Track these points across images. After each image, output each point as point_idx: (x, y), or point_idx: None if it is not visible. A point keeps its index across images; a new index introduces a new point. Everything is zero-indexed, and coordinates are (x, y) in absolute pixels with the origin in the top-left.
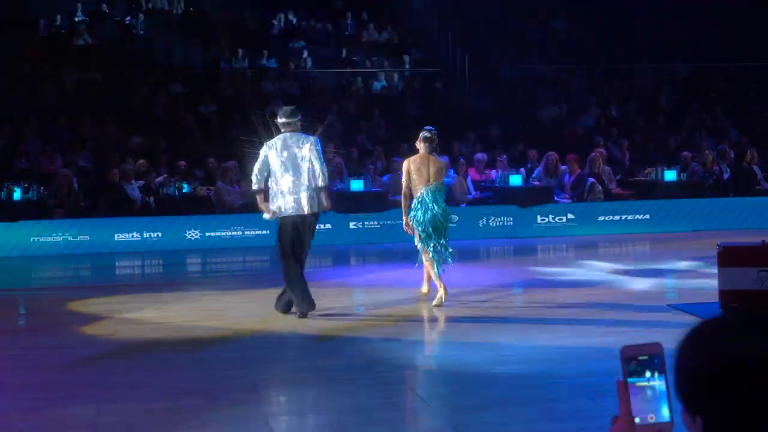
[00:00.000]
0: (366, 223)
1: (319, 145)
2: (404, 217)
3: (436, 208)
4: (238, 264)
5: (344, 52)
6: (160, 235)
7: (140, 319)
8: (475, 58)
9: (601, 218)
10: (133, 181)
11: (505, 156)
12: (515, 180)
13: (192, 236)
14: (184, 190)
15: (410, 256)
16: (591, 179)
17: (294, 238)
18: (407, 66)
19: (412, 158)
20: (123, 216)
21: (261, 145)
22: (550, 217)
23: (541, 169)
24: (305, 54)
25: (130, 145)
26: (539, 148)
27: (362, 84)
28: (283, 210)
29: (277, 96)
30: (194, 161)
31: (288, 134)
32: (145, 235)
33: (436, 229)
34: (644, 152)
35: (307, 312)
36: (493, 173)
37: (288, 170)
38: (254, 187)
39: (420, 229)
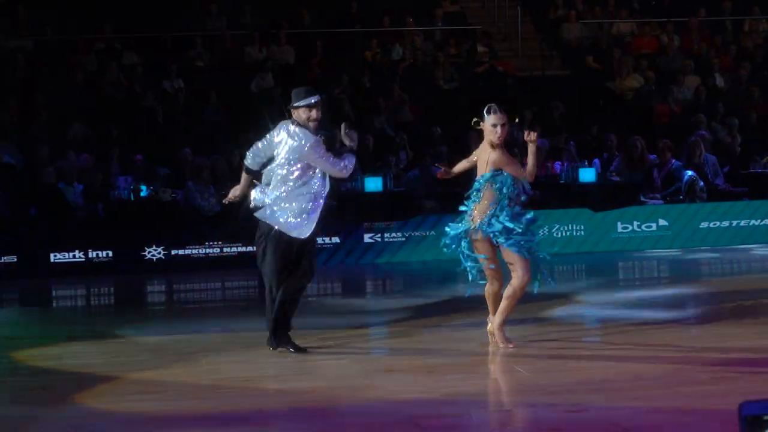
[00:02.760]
0: (386, 235)
1: (319, 149)
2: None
3: None
4: (216, 291)
5: (354, 5)
6: (110, 254)
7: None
8: (531, 10)
9: (704, 225)
10: (74, 182)
11: (573, 143)
12: (587, 175)
13: (153, 255)
14: (141, 194)
15: (450, 279)
16: (690, 172)
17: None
18: (438, 24)
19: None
20: (62, 229)
21: (244, 132)
22: (635, 224)
23: (621, 160)
24: (302, 9)
25: (69, 135)
26: (619, 131)
27: (379, 49)
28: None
29: (265, 66)
30: (156, 155)
31: (288, 125)
32: (91, 254)
33: None
34: (761, 134)
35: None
36: (557, 166)
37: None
38: (245, 161)
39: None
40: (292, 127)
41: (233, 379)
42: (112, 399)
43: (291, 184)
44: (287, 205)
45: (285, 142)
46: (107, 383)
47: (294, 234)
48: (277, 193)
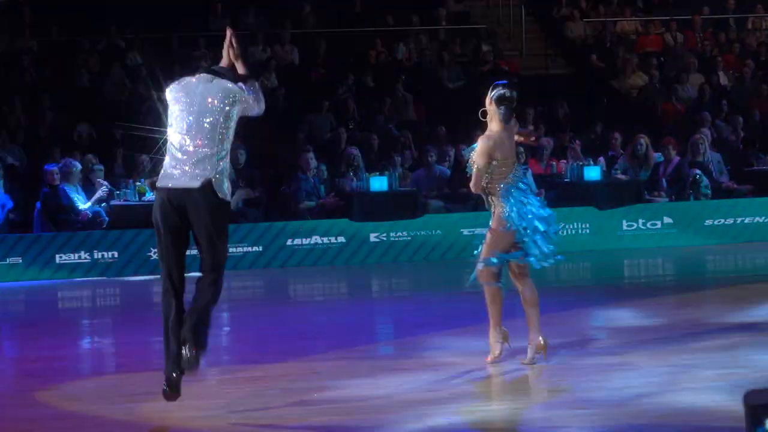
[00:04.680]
0: (392, 234)
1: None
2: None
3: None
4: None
5: (357, 3)
6: (115, 255)
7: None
8: (535, 9)
9: (708, 222)
10: (77, 183)
11: (578, 141)
12: (592, 173)
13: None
14: (146, 195)
15: (457, 280)
16: (694, 170)
17: (173, 231)
18: (442, 22)
19: (490, 135)
20: (66, 230)
21: (249, 132)
22: (640, 221)
23: (626, 159)
24: (306, 9)
25: (75, 136)
26: (624, 129)
27: (383, 48)
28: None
29: (269, 66)
30: (161, 155)
31: (200, 76)
32: (97, 255)
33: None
34: (765, 132)
35: (170, 385)
36: (563, 164)
37: (185, 123)
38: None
39: (527, 233)
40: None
41: None
42: None
43: None
44: None
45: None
46: None
47: None
48: None
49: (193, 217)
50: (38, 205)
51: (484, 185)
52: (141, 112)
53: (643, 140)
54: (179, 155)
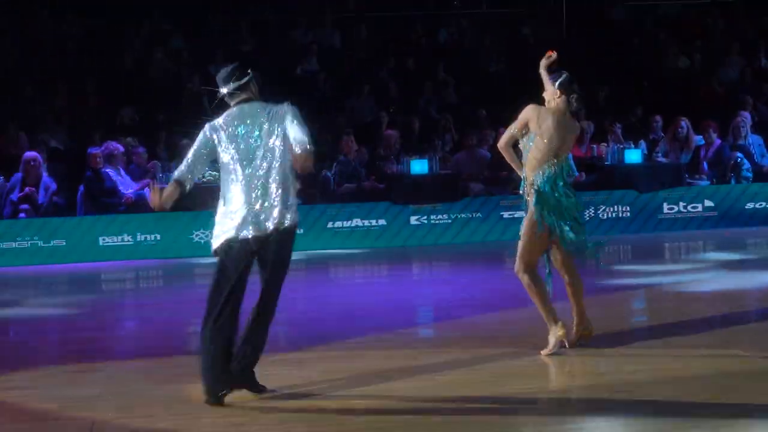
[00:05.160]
0: (432, 217)
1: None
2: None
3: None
4: None
5: None
6: (158, 237)
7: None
8: None
9: (749, 206)
10: (120, 166)
11: (618, 125)
12: (633, 156)
13: (200, 238)
14: None
15: (497, 260)
16: (736, 153)
17: (241, 274)
18: (483, 6)
19: (538, 106)
20: (109, 213)
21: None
22: (681, 204)
23: (667, 142)
24: None
25: (117, 120)
26: (665, 112)
27: (424, 31)
28: (229, 229)
29: (311, 50)
30: None
31: (240, 107)
32: (140, 237)
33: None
34: None
35: (213, 396)
36: (604, 148)
37: (246, 163)
38: (175, 174)
39: (557, 227)
40: (255, 105)
41: None
42: None
43: None
44: None
45: (246, 125)
46: None
47: None
48: None
49: None
50: (81, 188)
51: (524, 163)
52: (183, 95)
53: (685, 123)
54: None
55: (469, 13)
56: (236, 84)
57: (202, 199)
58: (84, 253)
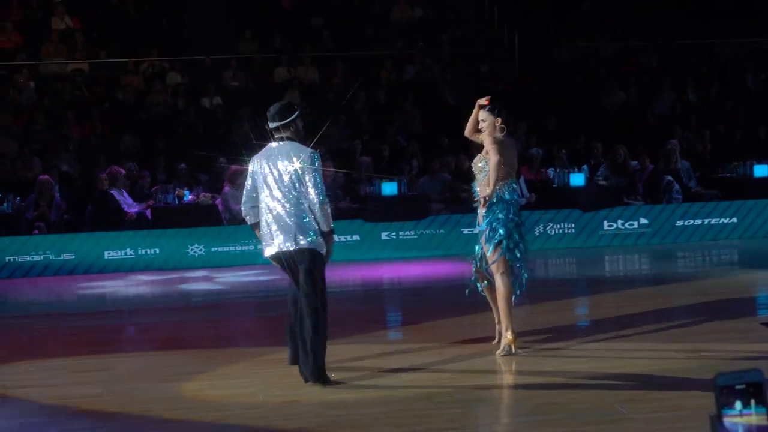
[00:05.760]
0: (401, 233)
1: (318, 162)
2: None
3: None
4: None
5: (370, 31)
6: (157, 251)
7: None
8: (527, 36)
9: (679, 223)
10: (122, 188)
11: (564, 151)
12: (577, 179)
13: (195, 252)
14: (185, 198)
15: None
16: (667, 177)
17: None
18: (445, 46)
19: (502, 138)
20: (114, 230)
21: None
22: (619, 222)
23: (607, 166)
24: (324, 34)
25: (121, 147)
26: (604, 141)
27: (392, 69)
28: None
29: (292, 85)
30: (197, 163)
31: (277, 144)
32: (141, 251)
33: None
34: (729, 143)
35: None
36: (551, 172)
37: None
38: (247, 219)
39: (502, 234)
40: (287, 146)
41: None
42: None
43: None
44: None
45: (274, 161)
46: None
47: None
48: None
49: None
50: (89, 207)
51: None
52: (180, 125)
53: (622, 150)
54: None
55: (433, 53)
56: (279, 123)
57: (197, 217)
58: (91, 265)
